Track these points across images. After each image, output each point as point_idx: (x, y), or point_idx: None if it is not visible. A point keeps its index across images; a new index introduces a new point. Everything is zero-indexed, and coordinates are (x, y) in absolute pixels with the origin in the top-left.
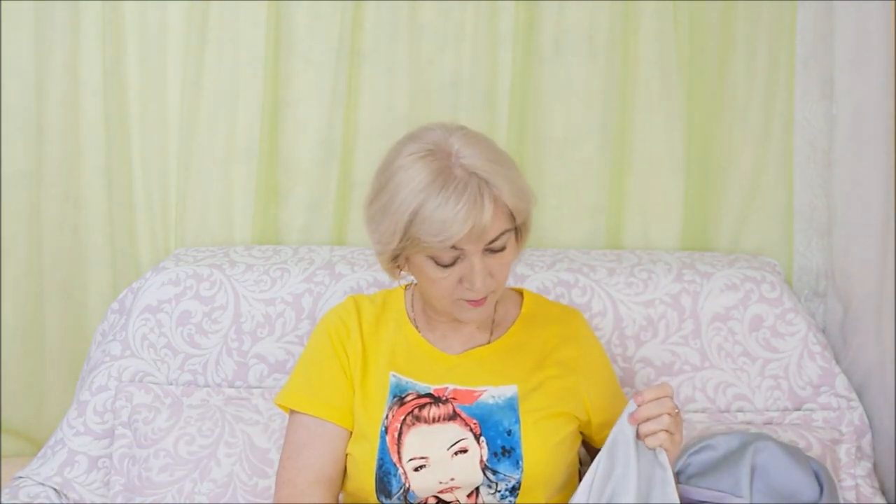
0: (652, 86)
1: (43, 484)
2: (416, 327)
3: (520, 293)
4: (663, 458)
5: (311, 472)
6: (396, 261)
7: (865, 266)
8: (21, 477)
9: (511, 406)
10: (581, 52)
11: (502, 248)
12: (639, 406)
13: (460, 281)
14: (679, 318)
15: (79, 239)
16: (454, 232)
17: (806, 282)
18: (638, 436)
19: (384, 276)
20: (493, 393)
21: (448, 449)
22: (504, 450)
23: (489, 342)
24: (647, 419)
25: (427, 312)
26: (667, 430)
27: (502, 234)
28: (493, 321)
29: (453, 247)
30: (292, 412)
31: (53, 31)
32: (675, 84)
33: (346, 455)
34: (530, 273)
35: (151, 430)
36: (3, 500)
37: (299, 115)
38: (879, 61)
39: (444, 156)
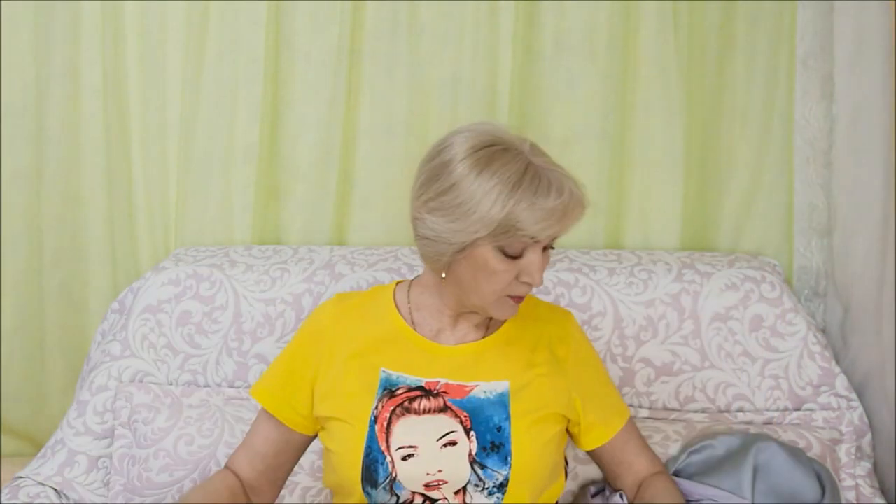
0: (652, 86)
1: (43, 484)
2: (406, 319)
3: None
4: None
5: (252, 447)
6: (461, 253)
7: (865, 266)
8: (21, 477)
9: (502, 402)
10: (581, 52)
11: (552, 245)
12: None
13: (517, 276)
14: (679, 318)
15: (79, 239)
16: (555, 221)
17: (806, 282)
18: None
19: (384, 277)
20: (484, 388)
21: (438, 440)
22: (493, 445)
23: (483, 338)
24: None
25: (430, 309)
26: None
27: None
28: (490, 318)
29: (534, 238)
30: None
31: (53, 31)
32: (675, 84)
33: (326, 451)
34: None
35: (151, 430)
36: (3, 500)
37: (299, 115)
38: (879, 61)
39: (518, 151)
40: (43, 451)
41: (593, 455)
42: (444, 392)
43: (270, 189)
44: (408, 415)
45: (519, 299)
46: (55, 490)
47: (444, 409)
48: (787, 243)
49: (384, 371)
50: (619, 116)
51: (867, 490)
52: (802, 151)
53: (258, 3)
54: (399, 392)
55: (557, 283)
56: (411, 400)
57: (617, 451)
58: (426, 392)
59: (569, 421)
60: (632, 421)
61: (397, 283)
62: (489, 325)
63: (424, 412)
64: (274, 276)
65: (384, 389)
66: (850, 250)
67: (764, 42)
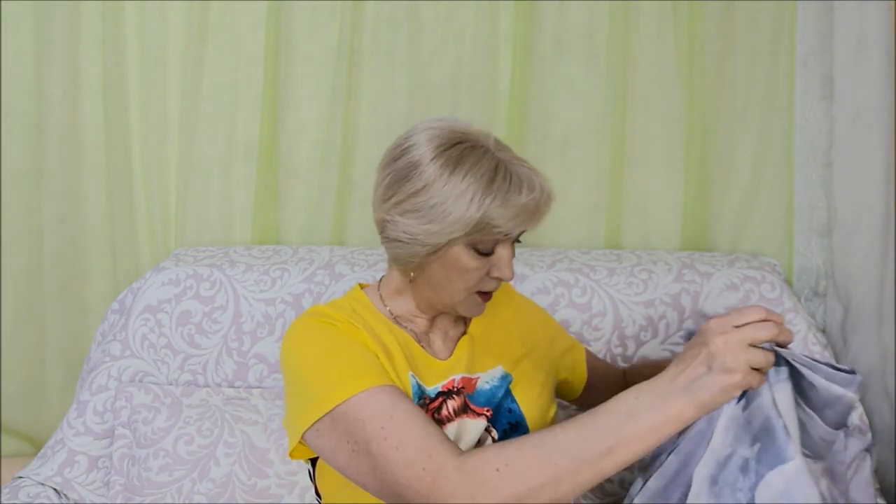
0: (652, 86)
1: (43, 484)
2: (407, 333)
3: None
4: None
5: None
6: (435, 254)
7: (865, 266)
8: (21, 477)
9: (503, 385)
10: (581, 52)
11: (519, 238)
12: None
13: (488, 272)
14: (679, 318)
15: (79, 239)
16: (528, 217)
17: (806, 282)
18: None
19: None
20: (485, 378)
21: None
22: (511, 425)
23: (466, 331)
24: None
25: (407, 316)
26: None
27: None
28: None
29: (507, 234)
30: (344, 403)
31: (53, 31)
32: (675, 84)
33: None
34: (530, 273)
35: (151, 430)
36: (3, 500)
37: (299, 115)
38: (879, 61)
39: (483, 147)
40: (43, 451)
41: (579, 399)
42: (462, 388)
43: (270, 189)
44: (443, 427)
45: (487, 296)
46: (55, 490)
47: (465, 408)
48: (787, 243)
49: (413, 377)
50: (619, 116)
51: None
52: (802, 151)
53: (258, 3)
54: (424, 405)
55: (557, 283)
56: (438, 410)
57: (592, 378)
58: (446, 394)
59: (558, 380)
60: (583, 347)
61: (362, 287)
62: (466, 318)
63: (455, 415)
64: (274, 276)
65: (419, 399)
66: (850, 250)
67: (764, 42)
